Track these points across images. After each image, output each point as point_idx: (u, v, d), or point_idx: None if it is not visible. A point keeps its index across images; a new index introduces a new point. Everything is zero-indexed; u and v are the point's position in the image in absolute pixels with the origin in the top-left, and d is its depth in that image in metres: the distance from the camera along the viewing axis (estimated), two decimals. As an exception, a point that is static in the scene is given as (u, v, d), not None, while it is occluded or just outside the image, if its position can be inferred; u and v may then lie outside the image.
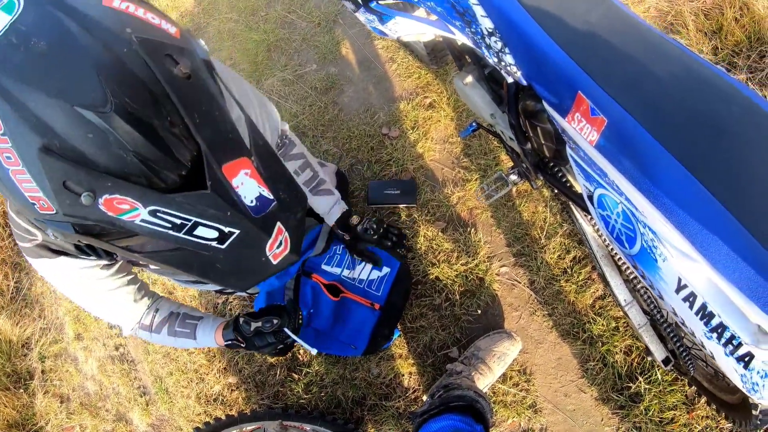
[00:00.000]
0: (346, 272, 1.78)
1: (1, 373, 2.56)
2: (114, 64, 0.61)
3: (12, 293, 2.83)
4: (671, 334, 1.27)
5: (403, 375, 1.87)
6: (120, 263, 1.19)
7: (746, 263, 0.66)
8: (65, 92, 0.59)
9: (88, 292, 1.18)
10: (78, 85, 0.60)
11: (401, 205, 2.07)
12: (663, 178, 0.73)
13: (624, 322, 1.66)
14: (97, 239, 0.70)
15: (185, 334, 1.38)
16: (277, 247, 0.74)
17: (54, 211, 0.62)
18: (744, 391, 0.79)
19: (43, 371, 2.60)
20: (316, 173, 1.52)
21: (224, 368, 2.16)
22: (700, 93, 0.77)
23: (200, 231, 0.66)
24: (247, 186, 0.69)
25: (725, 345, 0.78)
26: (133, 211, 0.63)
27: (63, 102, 0.59)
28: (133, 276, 1.29)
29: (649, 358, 1.58)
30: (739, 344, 0.75)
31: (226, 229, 0.68)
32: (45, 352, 2.63)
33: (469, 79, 1.35)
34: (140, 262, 1.18)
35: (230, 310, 2.20)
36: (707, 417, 1.51)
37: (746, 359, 0.75)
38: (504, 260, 1.89)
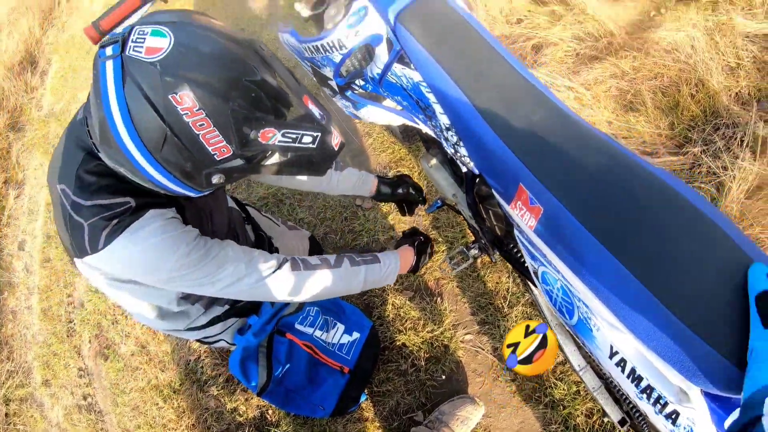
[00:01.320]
0: (318, 333, 1.84)
1: (-35, 414, 2.51)
2: (247, 53, 0.95)
3: None
4: (623, 397, 1.36)
5: (369, 439, 1.91)
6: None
7: (663, 333, 0.76)
8: (234, 72, 0.91)
9: (191, 243, 1.11)
10: (240, 68, 0.92)
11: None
12: (589, 259, 0.85)
13: (584, 386, 1.74)
14: (253, 166, 1.01)
15: (369, 260, 1.37)
16: (336, 139, 1.05)
17: (231, 153, 0.95)
18: (674, 447, 0.89)
19: (6, 414, 2.57)
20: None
21: (192, 425, 2.17)
22: (623, 182, 0.89)
23: (304, 139, 0.99)
24: (313, 109, 1.02)
25: (654, 404, 0.88)
26: (273, 137, 0.96)
27: (236, 78, 0.91)
28: None
29: (607, 420, 1.66)
30: (666, 403, 0.85)
31: (315, 134, 1.00)
32: (10, 395, 2.60)
33: (434, 161, 1.49)
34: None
35: (202, 368, 2.24)
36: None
37: (673, 416, 0.85)
38: (468, 328, 1.99)
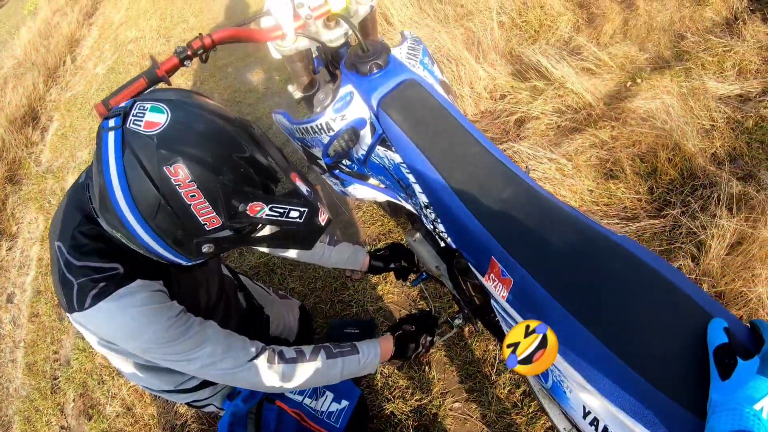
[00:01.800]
0: (307, 400, 1.85)
1: None
2: (238, 132, 1.02)
3: None
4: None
5: None
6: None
7: (628, 391, 0.83)
8: (225, 148, 0.98)
9: (173, 319, 1.15)
10: (231, 145, 1.00)
11: (362, 343, 2.21)
12: (557, 325, 0.92)
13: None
14: (240, 239, 1.06)
15: (347, 351, 1.37)
16: (323, 215, 1.10)
17: (220, 224, 1.00)
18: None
19: None
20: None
21: None
22: (588, 252, 0.98)
23: (291, 213, 1.05)
24: (302, 184, 1.08)
25: (629, 461, 0.93)
26: (261, 210, 1.01)
27: (227, 154, 0.98)
28: None
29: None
30: (640, 459, 0.90)
31: (302, 209, 1.05)
32: None
33: (418, 235, 1.58)
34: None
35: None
36: None
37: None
38: (457, 396, 2.02)
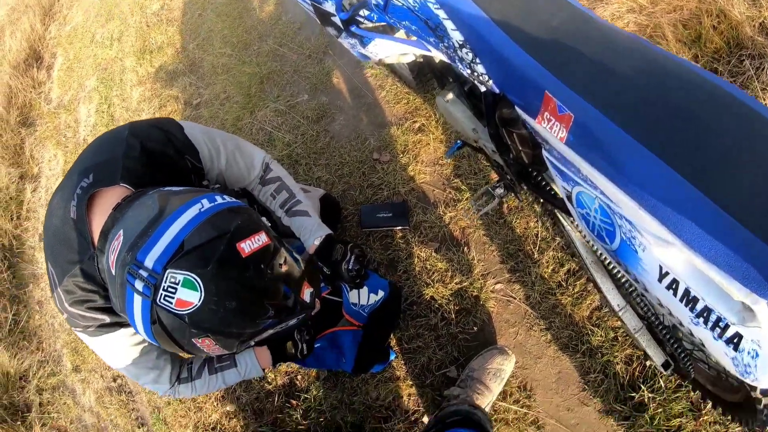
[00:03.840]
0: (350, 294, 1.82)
1: (-1, 405, 2.55)
2: (269, 288, 0.98)
3: (10, 326, 2.86)
4: (668, 337, 1.26)
5: (401, 397, 1.85)
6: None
7: (722, 240, 0.66)
8: (251, 325, 0.97)
9: (136, 357, 1.30)
10: (255, 316, 0.97)
11: (394, 228, 2.09)
12: (631, 164, 0.75)
13: (623, 332, 1.65)
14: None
15: (226, 366, 1.47)
16: (307, 296, 1.08)
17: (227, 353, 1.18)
18: (738, 375, 0.78)
19: (40, 404, 2.58)
20: (292, 194, 1.53)
21: (222, 396, 2.14)
22: (661, 81, 0.79)
23: (291, 323, 1.05)
24: (306, 293, 1.09)
25: (712, 329, 0.77)
26: (267, 333, 1.02)
27: (250, 329, 0.98)
28: None
29: (649, 364, 1.56)
30: (726, 326, 0.74)
31: (301, 316, 1.06)
32: (43, 384, 2.62)
33: (450, 96, 1.38)
34: None
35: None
36: (715, 422, 1.47)
37: (735, 341, 0.75)
38: (498, 277, 1.90)
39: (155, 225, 0.93)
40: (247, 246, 0.97)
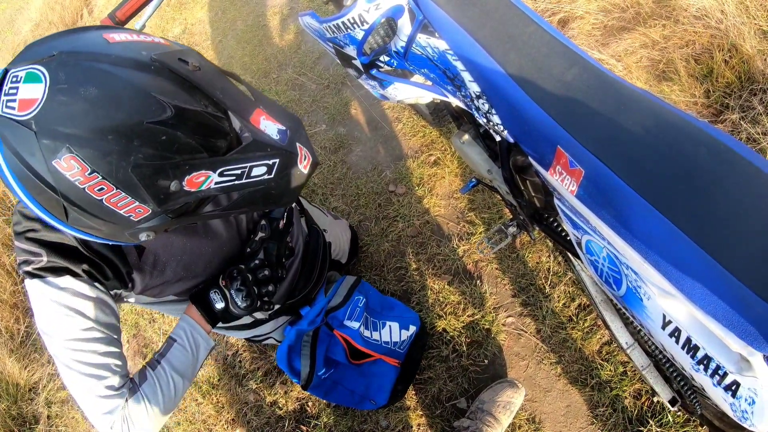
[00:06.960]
0: (365, 331, 1.76)
1: (7, 415, 2.57)
2: (153, 81, 0.77)
3: (22, 337, 2.89)
4: (675, 374, 1.29)
5: (411, 427, 1.87)
6: (117, 313, 1.11)
7: (720, 295, 0.70)
8: (133, 115, 0.73)
9: (76, 329, 1.01)
10: (139, 107, 0.74)
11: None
12: (637, 221, 0.79)
13: (631, 366, 1.67)
14: (187, 216, 0.88)
15: (164, 350, 1.19)
16: (304, 160, 0.93)
17: (150, 212, 0.80)
18: (735, 419, 0.82)
19: (48, 416, 2.61)
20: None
21: (232, 419, 2.17)
22: (668, 138, 0.83)
23: (254, 171, 0.85)
24: (269, 126, 0.88)
25: (712, 376, 0.81)
26: (207, 180, 0.81)
27: (135, 123, 0.73)
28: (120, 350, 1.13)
29: (657, 399, 1.58)
30: (725, 374, 0.78)
31: (270, 161, 0.86)
32: (52, 397, 2.64)
33: (466, 137, 1.43)
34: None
35: (240, 362, 2.24)
36: (722, 458, 1.50)
37: (733, 388, 0.78)
38: (510, 310, 1.93)
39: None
40: (120, 37, 0.79)
